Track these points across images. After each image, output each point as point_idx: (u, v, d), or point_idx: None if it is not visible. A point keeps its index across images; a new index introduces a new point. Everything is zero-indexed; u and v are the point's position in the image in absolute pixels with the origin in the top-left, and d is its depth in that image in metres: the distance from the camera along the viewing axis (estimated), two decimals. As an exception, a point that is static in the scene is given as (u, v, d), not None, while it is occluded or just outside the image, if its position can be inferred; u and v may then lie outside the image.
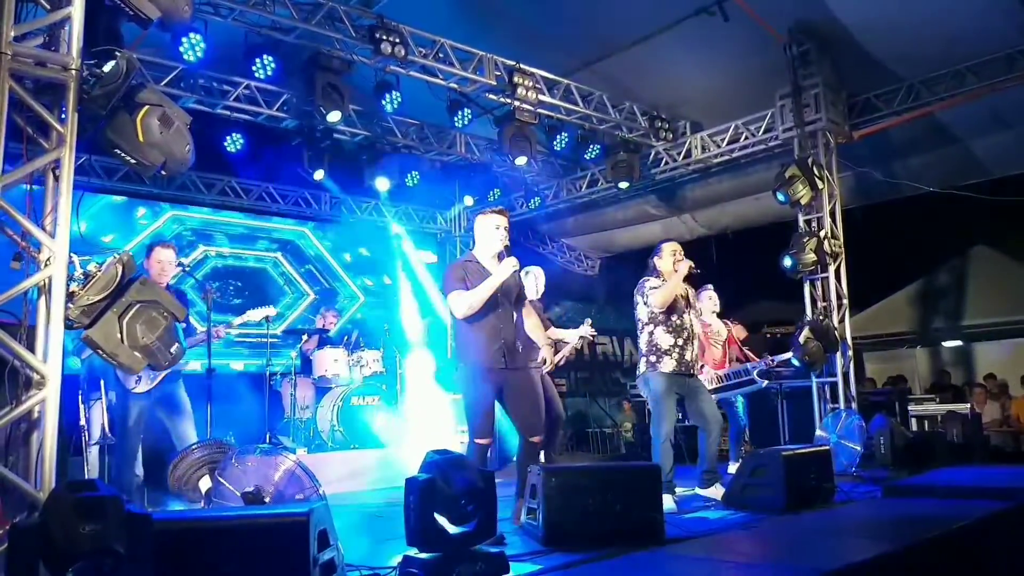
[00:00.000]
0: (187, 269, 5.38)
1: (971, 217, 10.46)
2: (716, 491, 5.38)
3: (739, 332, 7.44)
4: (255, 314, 6.24)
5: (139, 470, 5.51)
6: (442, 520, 3.12)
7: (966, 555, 3.88)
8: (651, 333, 5.37)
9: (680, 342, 5.34)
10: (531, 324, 4.71)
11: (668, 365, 5.29)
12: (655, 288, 5.36)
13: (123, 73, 3.85)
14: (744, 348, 7.30)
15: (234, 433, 7.38)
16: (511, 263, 4.31)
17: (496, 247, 4.43)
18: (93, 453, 5.57)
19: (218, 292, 5.70)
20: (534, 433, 4.49)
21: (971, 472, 5.90)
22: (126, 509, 2.68)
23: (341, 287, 11.51)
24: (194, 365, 5.87)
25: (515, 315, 4.52)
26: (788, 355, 7.27)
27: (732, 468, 6.59)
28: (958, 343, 12.53)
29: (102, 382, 5.35)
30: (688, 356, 5.38)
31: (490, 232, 4.46)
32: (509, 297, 4.46)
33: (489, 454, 4.65)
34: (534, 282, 6.16)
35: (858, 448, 6.82)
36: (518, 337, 4.49)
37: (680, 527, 4.27)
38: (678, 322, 5.38)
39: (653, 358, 5.32)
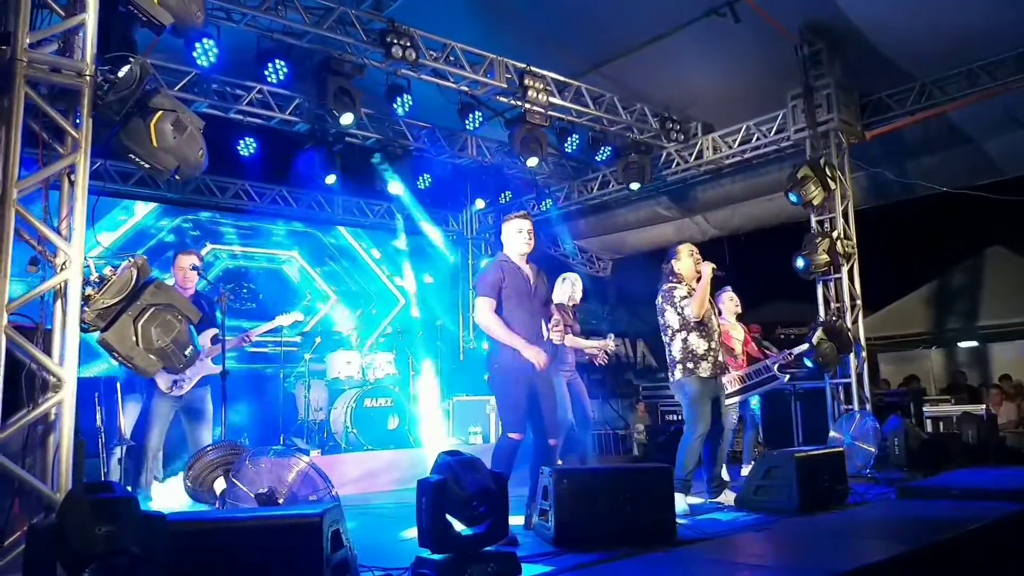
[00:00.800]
0: (200, 271, 5.42)
1: (986, 217, 10.38)
2: (726, 497, 5.37)
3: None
4: (285, 319, 6.29)
5: (158, 472, 5.55)
6: (454, 521, 3.13)
7: (981, 557, 3.86)
8: (685, 340, 5.35)
9: (713, 345, 5.39)
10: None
11: (705, 369, 5.31)
12: (686, 298, 5.36)
13: (137, 79, 3.89)
14: (761, 347, 7.30)
15: (248, 435, 7.45)
16: (540, 358, 4.45)
17: (522, 249, 4.70)
18: (117, 454, 5.65)
19: (232, 295, 5.72)
20: (554, 435, 4.61)
21: (986, 474, 5.86)
22: (141, 510, 2.70)
23: (373, 285, 11.34)
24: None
25: (542, 318, 4.75)
26: (804, 346, 7.23)
27: (745, 470, 6.57)
28: (974, 344, 12.43)
29: (117, 384, 5.42)
30: (720, 358, 5.45)
31: (513, 235, 4.72)
32: (539, 301, 4.72)
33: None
34: (570, 288, 6.40)
35: (872, 449, 6.78)
36: (544, 338, 4.72)
37: (692, 528, 4.28)
38: (710, 325, 5.42)
39: (691, 364, 5.31)
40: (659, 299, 5.50)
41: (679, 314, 5.36)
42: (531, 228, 4.72)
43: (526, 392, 4.51)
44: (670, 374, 5.47)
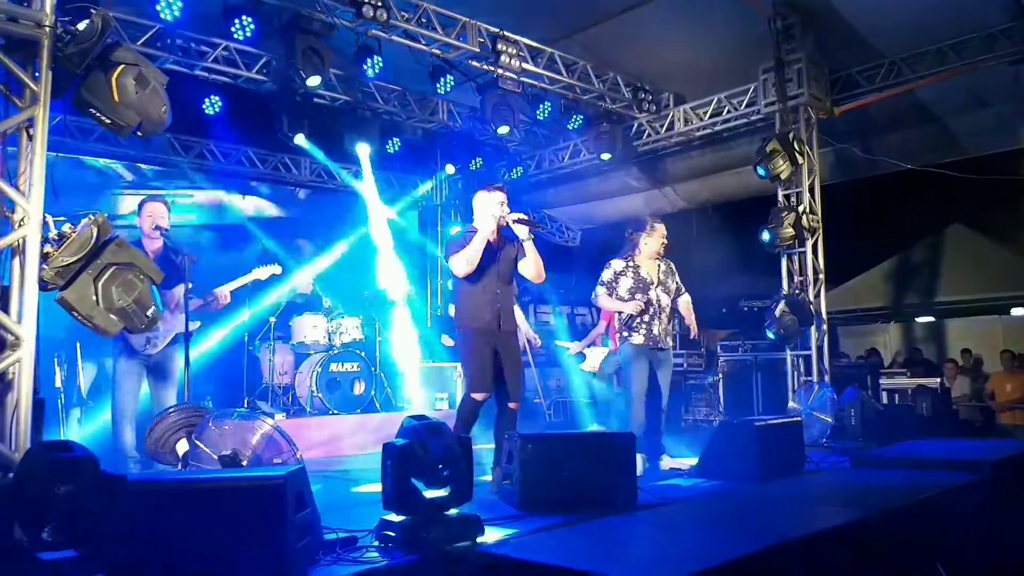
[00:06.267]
0: (163, 232, 5.28)
1: (948, 195, 10.58)
2: (666, 463, 5.52)
3: None
4: (261, 272, 5.97)
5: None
6: (418, 484, 3.15)
7: (931, 524, 3.98)
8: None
9: (647, 318, 5.58)
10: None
11: (637, 339, 5.56)
12: (603, 285, 5.63)
13: (98, 31, 3.79)
14: None
15: (211, 398, 7.38)
16: (491, 225, 4.64)
17: (500, 223, 4.74)
18: (76, 415, 5.55)
19: (195, 257, 5.54)
20: (514, 399, 4.73)
21: (939, 445, 6.03)
22: (101, 470, 2.68)
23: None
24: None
25: (509, 284, 4.86)
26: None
27: None
28: (930, 319, 12.73)
29: (77, 345, 5.31)
30: (656, 330, 5.60)
31: (493, 208, 4.74)
32: (506, 265, 4.80)
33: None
34: None
35: (829, 420, 6.94)
36: (510, 303, 4.86)
37: (653, 494, 4.35)
38: (643, 298, 5.60)
39: (626, 332, 5.63)
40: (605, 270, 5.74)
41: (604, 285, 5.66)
42: (507, 201, 4.77)
43: (490, 352, 4.67)
44: (613, 342, 5.85)
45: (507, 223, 4.69)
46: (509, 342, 4.80)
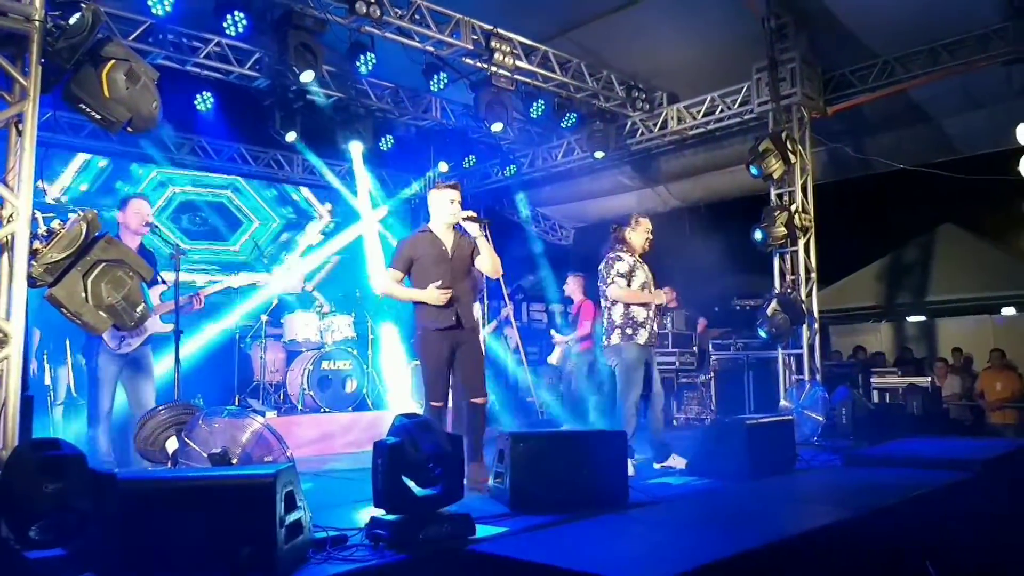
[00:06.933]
0: (155, 227, 5.26)
1: (940, 195, 10.63)
2: (674, 461, 5.48)
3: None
4: (235, 280, 6.09)
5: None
6: (409, 482, 3.15)
7: (922, 522, 3.99)
8: (627, 307, 5.47)
9: (651, 315, 5.53)
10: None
11: (643, 337, 5.45)
12: (622, 277, 5.45)
13: (89, 26, 3.77)
14: None
15: (202, 396, 7.36)
16: (440, 296, 4.57)
17: (449, 220, 4.72)
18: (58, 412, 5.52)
19: (184, 251, 5.52)
20: (477, 394, 4.69)
21: (929, 443, 6.04)
22: (90, 468, 2.67)
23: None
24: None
25: (465, 280, 4.77)
26: None
27: None
28: (922, 318, 12.78)
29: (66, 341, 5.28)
30: (656, 328, 5.57)
31: (444, 206, 4.73)
32: (462, 263, 4.75)
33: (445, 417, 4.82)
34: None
35: (820, 418, 6.96)
36: (468, 300, 4.78)
37: (643, 492, 4.35)
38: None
39: (629, 331, 5.44)
40: (602, 265, 5.59)
41: (607, 287, 5.49)
42: (460, 199, 4.74)
43: (446, 355, 4.63)
44: (605, 339, 5.58)
45: (459, 221, 4.69)
46: (470, 339, 4.74)
